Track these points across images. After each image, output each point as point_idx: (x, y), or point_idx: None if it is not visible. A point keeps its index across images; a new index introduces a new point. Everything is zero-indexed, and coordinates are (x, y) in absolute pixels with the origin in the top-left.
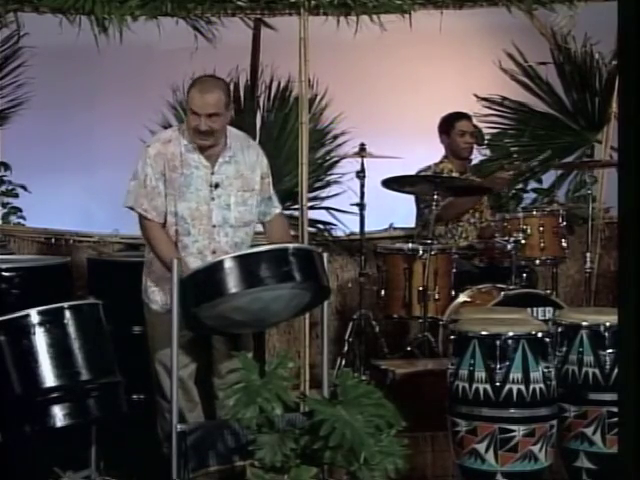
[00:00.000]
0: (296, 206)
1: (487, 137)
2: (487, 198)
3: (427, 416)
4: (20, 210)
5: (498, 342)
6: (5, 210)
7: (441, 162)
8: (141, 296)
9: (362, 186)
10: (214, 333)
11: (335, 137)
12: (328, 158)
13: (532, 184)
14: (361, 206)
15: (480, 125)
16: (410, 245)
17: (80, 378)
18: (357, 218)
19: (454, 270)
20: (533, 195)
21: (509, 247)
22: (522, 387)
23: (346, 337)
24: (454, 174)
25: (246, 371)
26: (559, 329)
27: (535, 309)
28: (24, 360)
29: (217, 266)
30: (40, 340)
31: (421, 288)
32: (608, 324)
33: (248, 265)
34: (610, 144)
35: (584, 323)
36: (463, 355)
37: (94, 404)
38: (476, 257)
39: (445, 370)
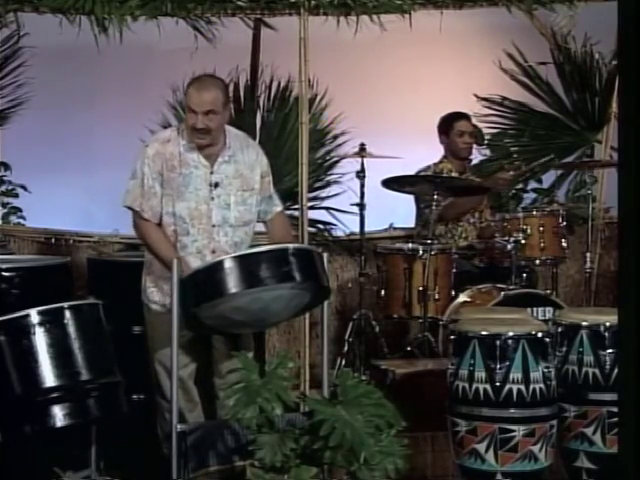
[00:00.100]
0: (296, 206)
1: (487, 137)
2: (487, 198)
3: (427, 416)
4: (20, 210)
5: (498, 342)
6: (5, 210)
7: (440, 162)
8: (141, 296)
9: (362, 186)
10: (214, 333)
11: (335, 137)
12: (328, 158)
13: (532, 184)
14: (361, 206)
15: (480, 125)
16: (410, 245)
17: (80, 378)
18: (357, 218)
19: (454, 270)
20: (533, 195)
21: (509, 247)
22: (522, 387)
23: (346, 337)
24: (454, 174)
25: (246, 371)
26: (559, 329)
27: (535, 309)
28: (24, 360)
29: (217, 266)
30: (40, 340)
31: (421, 288)
32: (608, 324)
33: (248, 265)
34: (610, 144)
35: (584, 323)
36: (463, 355)
37: (94, 404)
38: (476, 257)
39: (445, 370)
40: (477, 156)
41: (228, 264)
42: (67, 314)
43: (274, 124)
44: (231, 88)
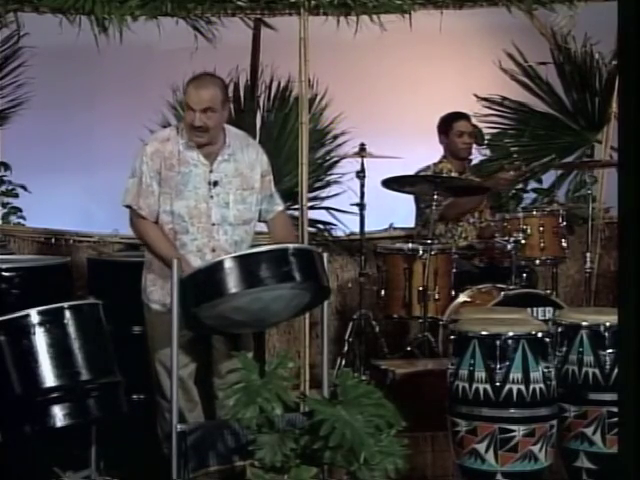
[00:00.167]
0: (296, 206)
1: (487, 137)
2: (487, 198)
3: (427, 416)
4: (20, 210)
5: (498, 342)
6: (5, 210)
7: (440, 162)
8: (141, 296)
9: (362, 186)
10: (214, 333)
11: (335, 137)
12: (328, 158)
13: (532, 184)
14: (361, 206)
15: (480, 125)
16: (410, 245)
17: (80, 378)
18: (357, 218)
19: (454, 270)
20: (533, 195)
21: (509, 247)
22: (522, 387)
23: (346, 337)
24: (453, 174)
25: (246, 371)
26: (559, 329)
27: (535, 309)
28: (24, 360)
29: (217, 266)
30: (40, 340)
31: (421, 288)
32: (608, 324)
33: (248, 265)
34: (610, 144)
35: (584, 323)
36: (463, 355)
37: (94, 404)
38: (476, 257)
39: (445, 370)
40: (477, 156)
41: (228, 264)
42: (67, 314)
43: (274, 124)
44: (231, 88)
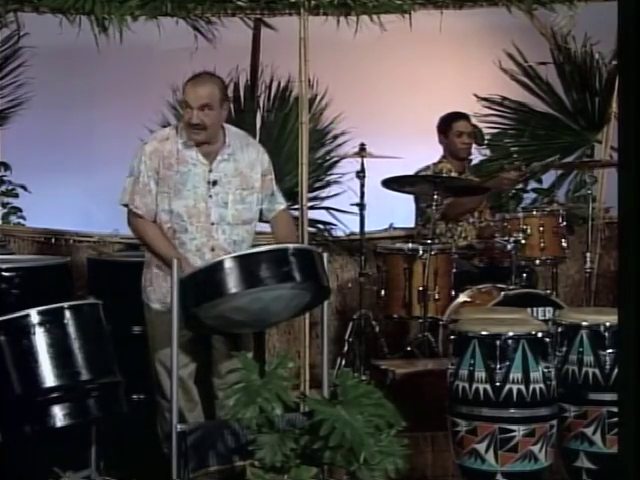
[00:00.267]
0: (296, 206)
1: (487, 137)
2: (487, 198)
3: (427, 416)
4: (20, 210)
5: (498, 342)
6: (5, 210)
7: (440, 162)
8: (141, 296)
9: (362, 186)
10: (214, 333)
11: (335, 137)
12: (328, 158)
13: (532, 184)
14: (361, 206)
15: (480, 125)
16: (410, 245)
17: (80, 378)
18: (357, 218)
19: (454, 270)
20: (533, 195)
21: (509, 247)
22: (522, 387)
23: (346, 337)
24: (453, 174)
25: (246, 371)
26: (559, 329)
27: (535, 309)
28: (24, 360)
29: (217, 266)
30: (40, 340)
31: (421, 288)
32: (608, 324)
33: (248, 265)
34: (610, 144)
35: (584, 323)
36: (463, 355)
37: (94, 404)
38: (476, 257)
39: (445, 370)
40: (477, 156)
41: (228, 264)
42: (67, 314)
43: (274, 124)
44: (231, 88)
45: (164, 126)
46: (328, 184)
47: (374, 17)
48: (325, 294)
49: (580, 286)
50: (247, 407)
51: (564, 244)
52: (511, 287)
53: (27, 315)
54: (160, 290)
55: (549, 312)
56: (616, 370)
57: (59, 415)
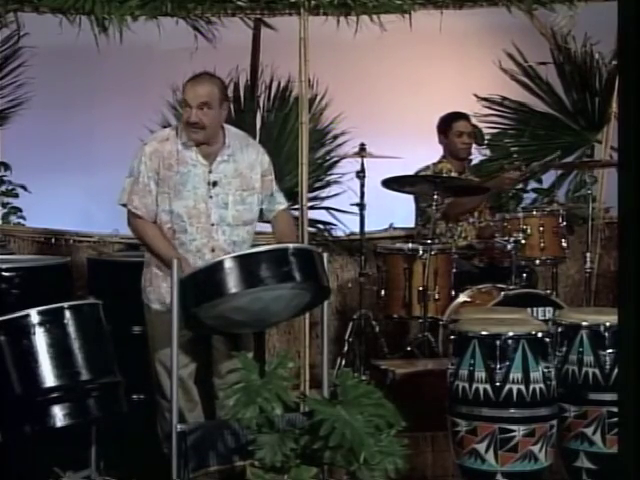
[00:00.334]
0: (296, 206)
1: (487, 137)
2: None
3: (427, 416)
4: (20, 210)
5: (498, 342)
6: (5, 210)
7: (440, 162)
8: (141, 296)
9: (362, 186)
10: (214, 333)
11: (335, 137)
12: (328, 158)
13: (532, 184)
14: (361, 206)
15: (480, 125)
16: (410, 245)
17: (80, 378)
18: (357, 218)
19: (454, 270)
20: (533, 195)
21: (509, 247)
22: (522, 387)
23: (346, 337)
24: (453, 174)
25: (246, 371)
26: (559, 329)
27: (535, 309)
28: (24, 360)
29: (217, 266)
30: (40, 340)
31: (421, 288)
32: (608, 324)
33: (248, 265)
34: (610, 144)
35: (584, 323)
36: (463, 355)
37: (94, 404)
38: (476, 257)
39: (445, 370)
40: (477, 156)
41: (228, 264)
42: (67, 314)
43: (274, 124)
44: (231, 88)
45: (164, 126)
46: (328, 184)
47: (374, 17)
48: (325, 294)
49: (580, 286)
50: (247, 407)
51: (564, 244)
52: (511, 287)
53: (27, 315)
54: (160, 290)
55: (549, 312)
56: (616, 370)
57: (59, 415)
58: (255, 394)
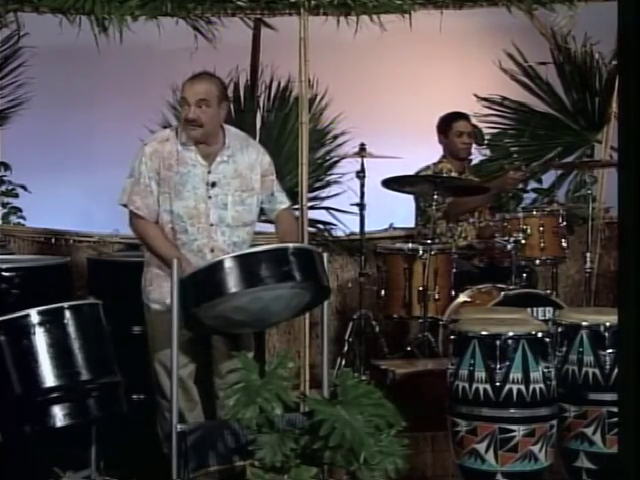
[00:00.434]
0: (296, 206)
1: (487, 137)
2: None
3: (427, 416)
4: (20, 210)
5: (498, 342)
6: (5, 210)
7: (440, 162)
8: (141, 296)
9: (362, 186)
10: (214, 333)
11: (335, 137)
12: (328, 158)
13: (532, 184)
14: (361, 206)
15: (480, 125)
16: (410, 245)
17: (80, 378)
18: (357, 218)
19: (454, 270)
20: (533, 195)
21: (509, 247)
22: (522, 387)
23: (346, 337)
24: (453, 174)
25: (246, 371)
26: (559, 329)
27: (535, 309)
28: (24, 360)
29: (217, 266)
30: (40, 340)
31: (421, 288)
32: (608, 324)
33: (248, 265)
34: (610, 144)
35: (584, 323)
36: (463, 355)
37: (94, 404)
38: (476, 257)
39: (445, 370)
40: (477, 156)
41: (228, 264)
42: (67, 314)
43: (274, 124)
44: (231, 88)
45: (164, 126)
46: (328, 184)
47: (374, 17)
48: (325, 294)
49: (580, 286)
50: (247, 407)
51: (564, 244)
52: (511, 287)
53: (27, 315)
54: (161, 290)
55: (549, 312)
56: (616, 370)
57: (59, 415)
58: (255, 394)
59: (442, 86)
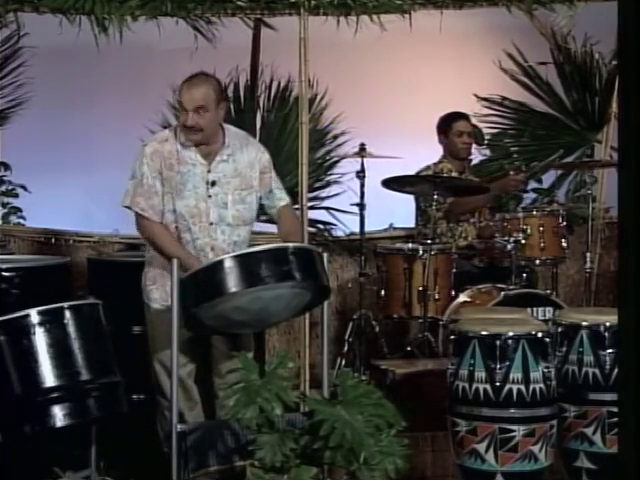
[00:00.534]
0: (296, 206)
1: (487, 137)
2: None
3: (427, 416)
4: (20, 210)
5: (498, 342)
6: (5, 210)
7: (440, 162)
8: (142, 297)
9: (362, 186)
10: (214, 333)
11: (335, 137)
12: (328, 158)
13: (532, 184)
14: (361, 206)
15: (480, 125)
16: (410, 245)
17: (80, 378)
18: (357, 218)
19: (454, 270)
20: (533, 195)
21: (509, 247)
22: (522, 387)
23: (346, 337)
24: (453, 174)
25: (246, 371)
26: (559, 329)
27: (535, 309)
28: (24, 360)
29: (217, 266)
30: (40, 340)
31: (421, 288)
32: (608, 324)
33: (248, 264)
34: (610, 144)
35: (584, 323)
36: (463, 355)
37: (94, 404)
38: (476, 257)
39: (445, 370)
40: (477, 156)
41: (228, 263)
42: (67, 314)
43: (274, 124)
44: (231, 88)
45: (164, 126)
46: (328, 184)
47: (374, 17)
48: (325, 294)
49: (580, 286)
50: (247, 407)
51: (564, 244)
52: (511, 287)
53: (27, 315)
54: (164, 289)
55: (549, 312)
56: (616, 370)
57: (59, 415)
58: (255, 394)
59: (442, 86)
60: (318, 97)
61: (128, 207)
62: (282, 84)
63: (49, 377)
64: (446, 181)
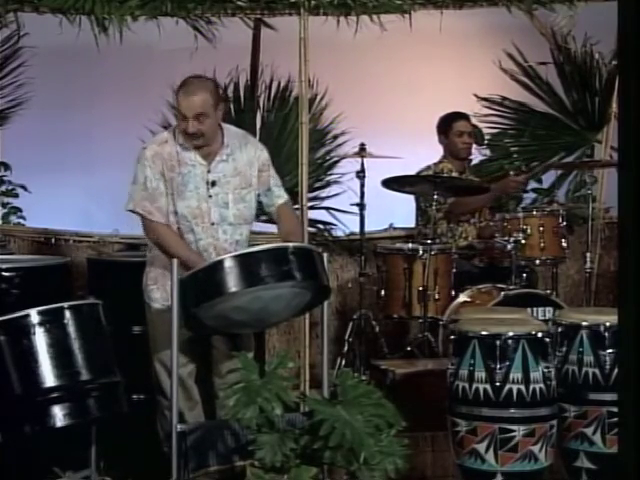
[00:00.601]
0: (296, 206)
1: (487, 137)
2: None
3: (427, 416)
4: (20, 210)
5: (498, 342)
6: (5, 210)
7: (440, 162)
8: (142, 297)
9: (362, 186)
10: (215, 333)
11: (335, 137)
12: (328, 158)
13: (532, 184)
14: (361, 206)
15: (480, 125)
16: (410, 245)
17: (80, 378)
18: (357, 218)
19: (454, 270)
20: (533, 195)
21: (509, 247)
22: (522, 387)
23: (346, 337)
24: (454, 174)
25: (246, 371)
26: (559, 329)
27: (535, 309)
28: (24, 360)
29: (217, 265)
30: (40, 340)
31: (421, 288)
32: (608, 324)
33: (248, 264)
34: (610, 144)
35: (584, 323)
36: (463, 355)
37: (94, 404)
38: (476, 257)
39: (445, 370)
40: (477, 156)
41: (228, 263)
42: (67, 314)
43: (274, 124)
44: (231, 88)
45: (164, 126)
46: (328, 184)
47: (374, 17)
48: (325, 293)
49: (580, 286)
50: (247, 407)
51: (564, 244)
52: (511, 287)
53: (27, 315)
54: (165, 289)
55: (549, 312)
56: (616, 370)
57: (59, 415)
58: (255, 394)
59: (442, 86)
60: (318, 97)
61: (131, 211)
62: (282, 84)
63: (49, 377)
64: (446, 181)
